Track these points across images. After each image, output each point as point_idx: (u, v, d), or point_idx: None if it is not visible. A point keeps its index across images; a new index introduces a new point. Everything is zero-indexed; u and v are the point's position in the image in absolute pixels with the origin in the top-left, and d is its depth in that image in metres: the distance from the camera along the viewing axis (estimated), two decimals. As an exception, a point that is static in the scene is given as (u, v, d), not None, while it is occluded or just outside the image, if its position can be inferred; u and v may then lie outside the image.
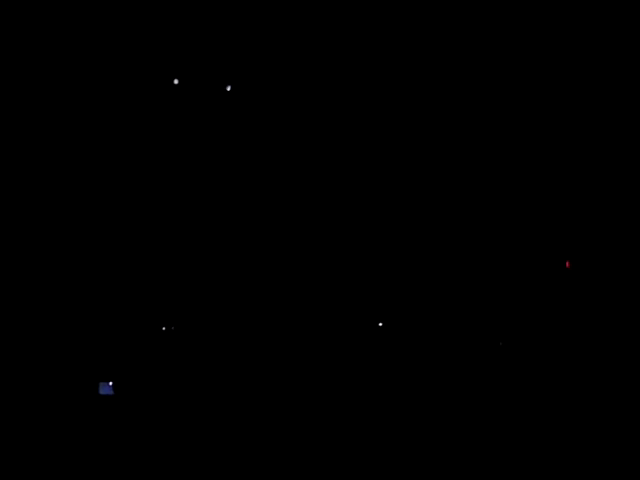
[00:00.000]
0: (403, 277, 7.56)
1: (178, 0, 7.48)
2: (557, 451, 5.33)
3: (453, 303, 7.28)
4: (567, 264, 6.99)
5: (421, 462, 5.43)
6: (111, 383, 6.36)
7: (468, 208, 7.59)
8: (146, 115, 7.74)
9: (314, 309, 7.35)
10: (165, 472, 5.67)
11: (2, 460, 5.55)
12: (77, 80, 7.77)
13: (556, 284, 6.99)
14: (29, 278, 7.25)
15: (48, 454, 5.67)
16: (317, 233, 7.90)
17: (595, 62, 7.19)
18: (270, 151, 7.80)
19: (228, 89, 7.27)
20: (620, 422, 5.46)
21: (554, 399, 5.94)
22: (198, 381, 6.59)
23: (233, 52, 7.46)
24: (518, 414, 5.82)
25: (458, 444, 5.52)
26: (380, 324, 7.07)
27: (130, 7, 7.46)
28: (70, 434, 5.89)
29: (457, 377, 6.46)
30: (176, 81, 7.34)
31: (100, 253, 7.52)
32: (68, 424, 6.04)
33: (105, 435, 5.88)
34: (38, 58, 7.73)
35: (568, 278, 6.97)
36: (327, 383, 6.63)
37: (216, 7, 7.53)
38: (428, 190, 7.70)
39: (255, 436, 5.91)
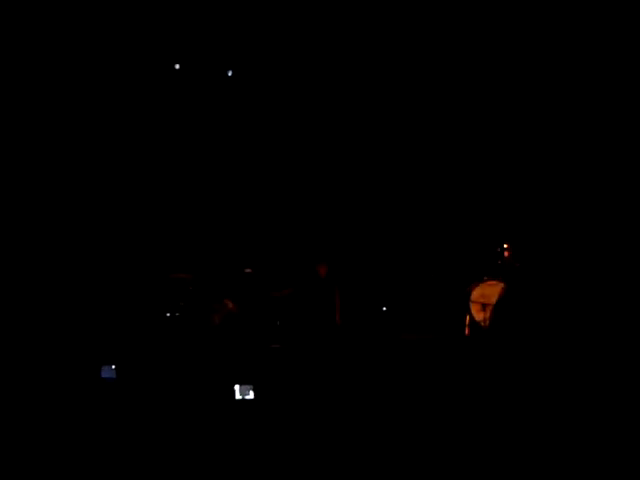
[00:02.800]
0: (403, 273, 7.60)
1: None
2: (557, 451, 5.39)
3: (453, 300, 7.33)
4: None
5: (422, 461, 5.47)
6: (114, 366, 6.37)
7: (468, 206, 7.64)
8: (148, 98, 7.71)
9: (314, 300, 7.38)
10: (166, 453, 5.71)
11: (5, 439, 5.58)
12: (78, 64, 7.73)
13: (557, 283, 7.07)
14: (32, 265, 7.21)
15: (51, 435, 5.69)
16: (318, 223, 7.90)
17: (595, 62, 7.26)
18: (271, 138, 7.80)
19: (229, 74, 7.27)
20: (620, 422, 5.53)
21: (554, 398, 6.02)
22: (199, 366, 6.63)
23: (234, 38, 7.46)
24: (518, 412, 5.88)
25: (458, 442, 5.57)
26: (384, 308, 7.11)
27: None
28: (73, 416, 5.91)
29: (457, 374, 6.53)
30: (177, 66, 7.34)
31: (102, 237, 7.49)
32: (71, 406, 6.05)
33: (107, 417, 5.89)
34: (35, 45, 7.67)
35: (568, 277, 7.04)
36: (328, 372, 6.69)
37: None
38: (428, 187, 7.73)
39: (255, 423, 5.96)
